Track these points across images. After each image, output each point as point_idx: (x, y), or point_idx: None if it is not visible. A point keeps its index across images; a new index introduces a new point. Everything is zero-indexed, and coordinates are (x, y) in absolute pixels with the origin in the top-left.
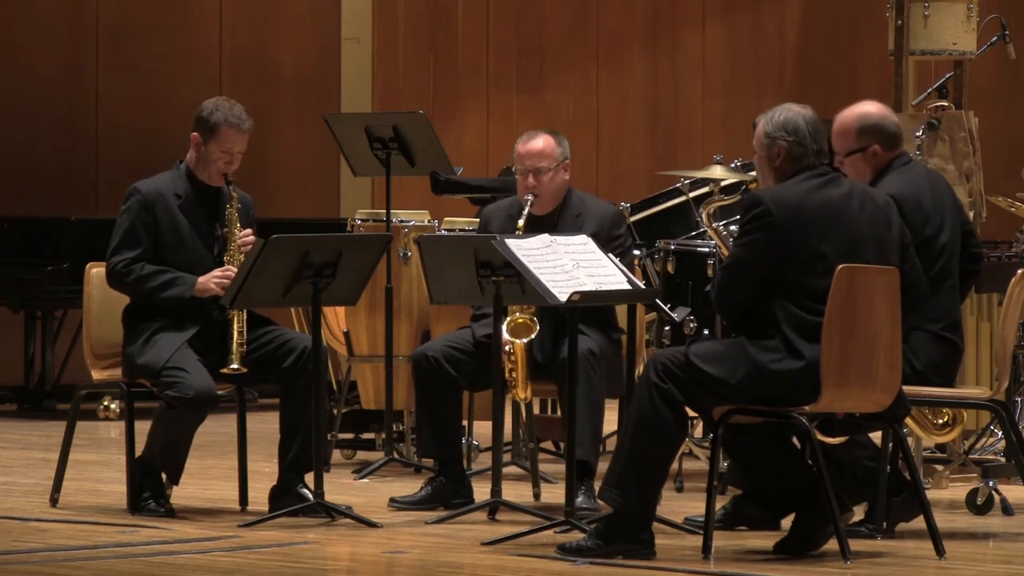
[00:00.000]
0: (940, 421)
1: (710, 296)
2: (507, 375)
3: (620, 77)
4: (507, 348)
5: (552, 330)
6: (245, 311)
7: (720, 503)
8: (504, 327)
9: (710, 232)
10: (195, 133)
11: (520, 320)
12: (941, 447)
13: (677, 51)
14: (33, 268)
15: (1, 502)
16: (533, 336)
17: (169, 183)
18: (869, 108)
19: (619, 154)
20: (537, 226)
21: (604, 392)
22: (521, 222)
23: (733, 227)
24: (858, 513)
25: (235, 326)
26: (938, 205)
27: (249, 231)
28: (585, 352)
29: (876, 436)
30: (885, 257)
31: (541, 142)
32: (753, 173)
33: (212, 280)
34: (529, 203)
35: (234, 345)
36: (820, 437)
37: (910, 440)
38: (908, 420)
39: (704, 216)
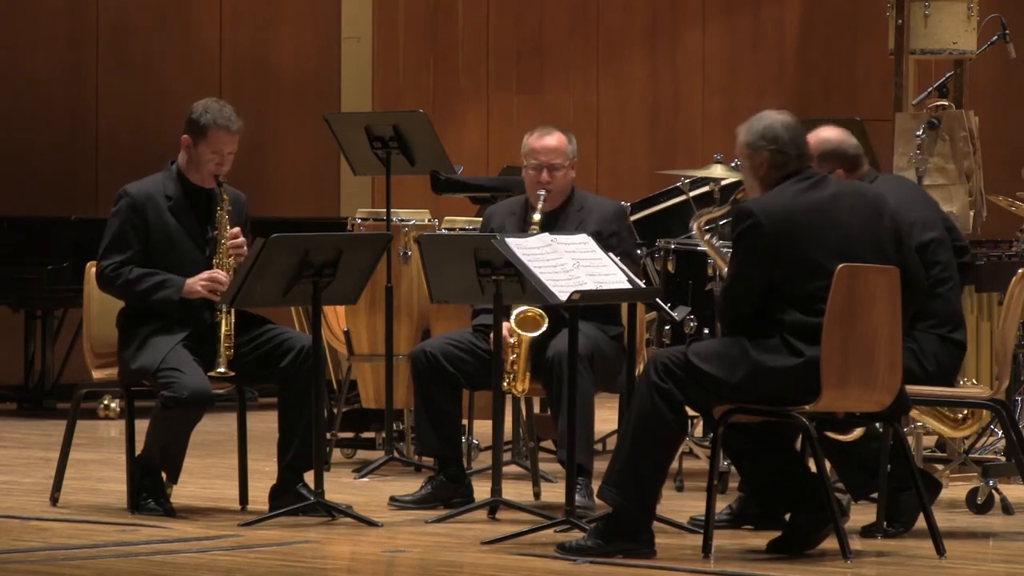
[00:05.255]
0: (960, 415)
1: (716, 314)
2: (508, 366)
3: (620, 77)
4: (512, 340)
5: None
6: (233, 313)
7: (725, 502)
8: (512, 318)
9: (703, 245)
10: (185, 135)
11: (530, 313)
12: (941, 446)
13: (677, 51)
14: (33, 268)
15: (1, 501)
16: (540, 332)
17: (160, 185)
18: (827, 134)
19: (619, 154)
20: (542, 222)
21: (591, 393)
22: (537, 216)
23: (726, 249)
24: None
25: (222, 329)
26: (927, 207)
27: (237, 230)
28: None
29: None
30: (882, 254)
31: (555, 139)
32: None
33: (199, 283)
34: (542, 199)
35: (221, 348)
36: (833, 435)
37: (911, 439)
38: (929, 419)
39: (695, 229)
